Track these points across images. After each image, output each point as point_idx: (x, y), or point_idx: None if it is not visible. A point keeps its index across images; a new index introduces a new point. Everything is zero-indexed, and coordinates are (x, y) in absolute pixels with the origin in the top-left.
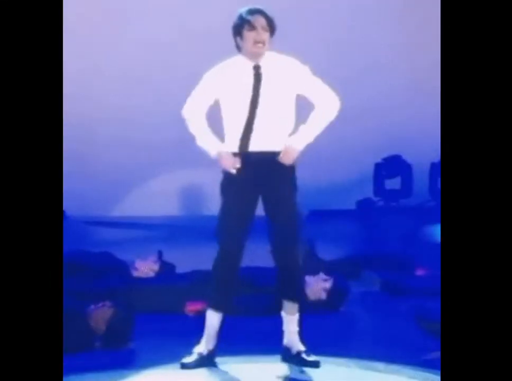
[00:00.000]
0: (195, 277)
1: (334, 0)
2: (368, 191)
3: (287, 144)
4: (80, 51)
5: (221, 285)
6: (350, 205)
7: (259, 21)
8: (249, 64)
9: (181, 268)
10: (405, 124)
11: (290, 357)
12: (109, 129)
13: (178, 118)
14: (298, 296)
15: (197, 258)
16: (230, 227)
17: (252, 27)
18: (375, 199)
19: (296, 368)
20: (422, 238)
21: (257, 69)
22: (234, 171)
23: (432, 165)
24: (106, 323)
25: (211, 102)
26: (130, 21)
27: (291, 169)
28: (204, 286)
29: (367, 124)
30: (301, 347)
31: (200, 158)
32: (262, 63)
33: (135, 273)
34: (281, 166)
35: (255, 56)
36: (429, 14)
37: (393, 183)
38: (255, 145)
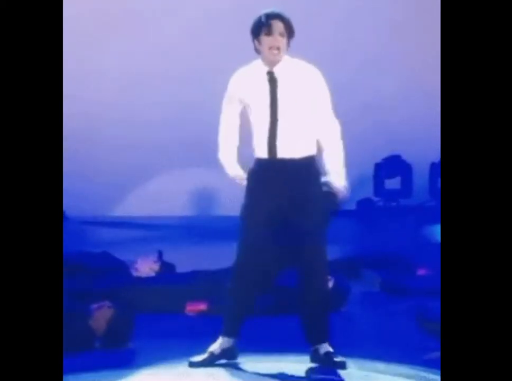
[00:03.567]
0: (196, 276)
1: (334, 1)
2: (368, 191)
3: (337, 187)
4: (80, 51)
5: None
6: (350, 205)
7: (277, 26)
8: (264, 70)
9: (182, 268)
10: (405, 124)
11: (319, 357)
12: (110, 130)
13: (179, 118)
14: (326, 337)
15: (197, 258)
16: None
17: (269, 32)
18: (375, 199)
19: (297, 368)
20: (422, 238)
21: (271, 74)
22: None
23: (432, 165)
24: (106, 323)
25: (237, 121)
26: (131, 21)
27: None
28: (204, 286)
29: (367, 124)
30: (330, 349)
31: (201, 158)
32: (277, 69)
33: (135, 273)
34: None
35: (271, 62)
36: (430, 13)
37: (393, 183)
38: (280, 152)
